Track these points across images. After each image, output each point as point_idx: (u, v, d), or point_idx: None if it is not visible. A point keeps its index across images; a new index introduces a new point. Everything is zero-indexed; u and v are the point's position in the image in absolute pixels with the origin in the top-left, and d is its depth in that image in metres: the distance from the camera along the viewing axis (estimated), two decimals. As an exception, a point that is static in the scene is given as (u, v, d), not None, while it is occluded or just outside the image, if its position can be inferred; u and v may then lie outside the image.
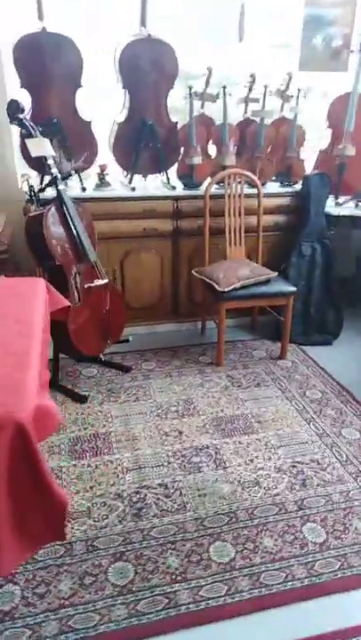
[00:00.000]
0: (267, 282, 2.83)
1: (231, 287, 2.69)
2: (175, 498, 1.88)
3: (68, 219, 2.39)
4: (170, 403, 2.51)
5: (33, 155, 2.30)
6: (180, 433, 2.27)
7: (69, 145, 2.86)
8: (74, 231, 2.40)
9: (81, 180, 2.99)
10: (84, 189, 2.95)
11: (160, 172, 3.15)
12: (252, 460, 2.10)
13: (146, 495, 1.89)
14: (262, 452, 2.16)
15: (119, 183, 3.14)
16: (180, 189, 3.12)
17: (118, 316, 2.64)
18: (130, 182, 3.04)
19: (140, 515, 1.80)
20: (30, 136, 2.33)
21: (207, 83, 3.08)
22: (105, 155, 3.10)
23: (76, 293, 2.39)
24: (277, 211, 3.22)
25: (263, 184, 3.19)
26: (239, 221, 3.05)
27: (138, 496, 1.88)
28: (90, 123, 2.96)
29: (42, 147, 2.33)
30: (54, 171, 2.37)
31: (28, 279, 1.90)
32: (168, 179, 3.13)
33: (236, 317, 3.36)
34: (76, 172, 2.95)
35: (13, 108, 2.33)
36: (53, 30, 2.68)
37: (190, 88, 3.02)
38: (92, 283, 2.46)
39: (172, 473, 2.01)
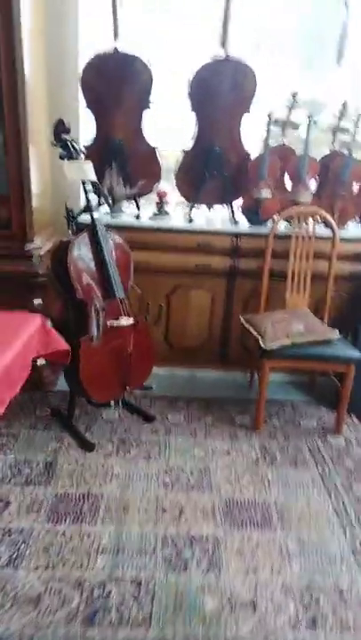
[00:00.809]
0: (326, 342, 2.39)
1: (278, 345, 2.29)
2: (144, 604, 1.53)
3: (100, 250, 2.19)
4: (183, 469, 2.16)
5: (68, 177, 2.14)
6: (181, 512, 1.91)
7: (128, 170, 2.70)
8: (103, 264, 2.19)
9: (138, 207, 2.81)
10: (137, 217, 2.76)
11: (225, 204, 2.86)
12: (256, 569, 1.68)
13: (110, 592, 1.56)
14: (273, 558, 1.73)
15: (181, 213, 2.90)
16: (243, 225, 2.80)
17: (143, 361, 2.36)
18: (189, 213, 2.79)
19: (93, 620, 1.47)
20: (71, 158, 2.18)
21: (290, 109, 2.74)
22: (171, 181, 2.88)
23: (95, 331, 2.15)
24: (355, 258, 2.75)
25: (342, 226, 2.76)
26: (306, 266, 2.64)
27: (101, 590, 1.57)
28: (155, 149, 2.77)
29: (80, 170, 2.16)
30: (91, 196, 2.19)
31: (22, 315, 1.71)
32: (233, 212, 2.83)
33: (292, 373, 2.93)
34: (134, 198, 2.78)
35: (60, 129, 2.20)
36: (124, 50, 2.54)
37: (270, 115, 2.71)
38: (117, 321, 2.23)
39: (152, 567, 1.67)
